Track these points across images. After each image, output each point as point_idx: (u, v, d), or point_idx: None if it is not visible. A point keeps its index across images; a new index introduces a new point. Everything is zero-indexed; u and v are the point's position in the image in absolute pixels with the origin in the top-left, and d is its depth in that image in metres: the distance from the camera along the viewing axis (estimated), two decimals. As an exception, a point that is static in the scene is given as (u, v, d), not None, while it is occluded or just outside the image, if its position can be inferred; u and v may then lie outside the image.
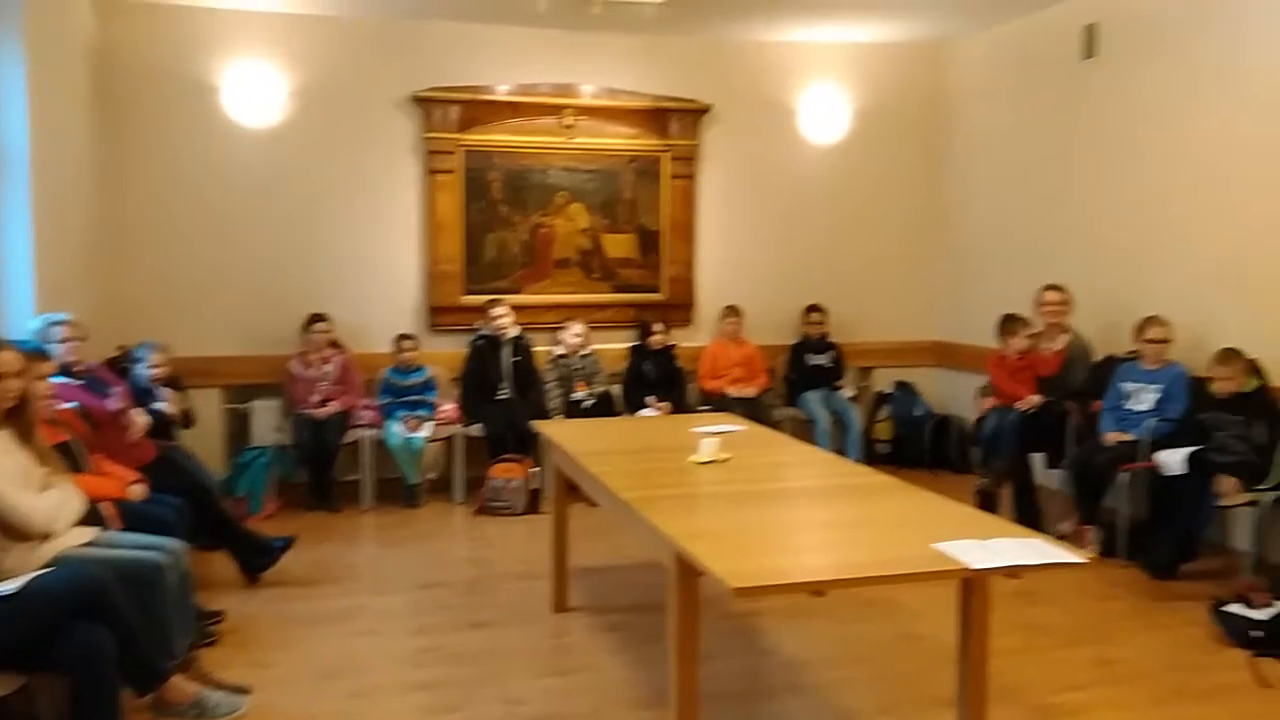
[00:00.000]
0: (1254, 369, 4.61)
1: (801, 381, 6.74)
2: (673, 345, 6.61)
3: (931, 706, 3.23)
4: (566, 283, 6.73)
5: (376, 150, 6.40)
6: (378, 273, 6.46)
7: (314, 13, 6.13)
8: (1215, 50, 5.05)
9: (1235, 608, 3.92)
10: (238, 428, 6.20)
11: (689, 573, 2.56)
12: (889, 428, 7.09)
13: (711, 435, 3.68)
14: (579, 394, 6.25)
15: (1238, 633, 3.84)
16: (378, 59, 6.36)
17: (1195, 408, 4.75)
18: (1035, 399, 5.45)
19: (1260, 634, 3.79)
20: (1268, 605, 3.87)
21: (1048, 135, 6.24)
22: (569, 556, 4.25)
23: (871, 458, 6.80)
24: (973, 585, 2.78)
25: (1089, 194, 5.91)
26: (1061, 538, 5.03)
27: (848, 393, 6.80)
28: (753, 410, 6.12)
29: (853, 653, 3.77)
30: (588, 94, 6.61)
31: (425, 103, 6.35)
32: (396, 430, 5.95)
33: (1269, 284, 4.75)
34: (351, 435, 5.98)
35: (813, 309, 6.90)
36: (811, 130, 7.05)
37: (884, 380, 7.28)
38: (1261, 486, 4.32)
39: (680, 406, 6.30)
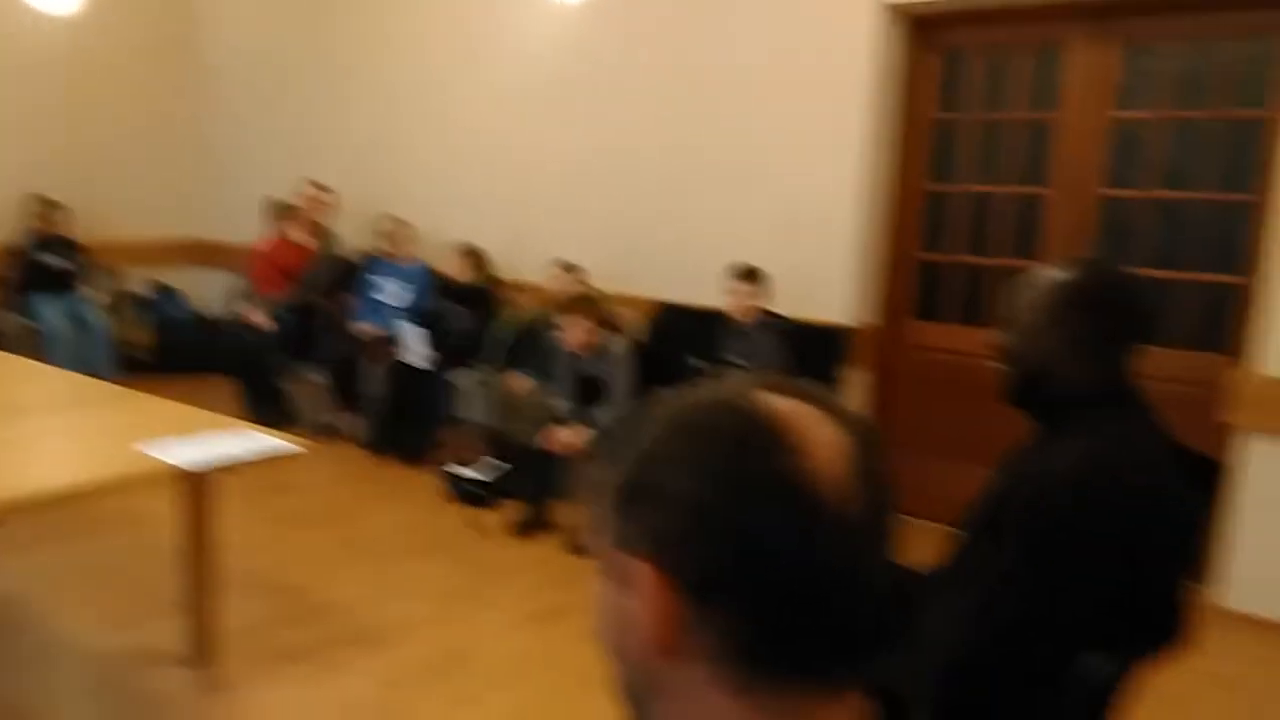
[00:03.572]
0: (487, 263, 5.22)
1: (32, 286, 5.85)
2: None
3: (168, 610, 3.10)
4: None
5: None
6: None
7: None
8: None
9: (461, 470, 4.49)
10: None
11: None
12: (148, 334, 6.57)
13: None
14: None
15: (464, 491, 4.42)
16: None
17: (435, 299, 5.26)
18: (266, 320, 5.41)
19: (480, 491, 4.41)
20: (487, 465, 4.51)
21: (303, 40, 6.21)
22: None
23: (131, 367, 6.25)
24: (195, 484, 2.71)
25: (343, 99, 6.05)
26: (325, 428, 5.33)
27: (94, 297, 6.11)
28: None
29: (87, 574, 3.46)
30: None
31: None
32: None
33: (485, 192, 5.43)
34: None
35: (45, 202, 5.99)
36: (35, -3, 6.01)
37: (141, 282, 6.70)
38: (482, 364, 4.97)
39: None
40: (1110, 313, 1.49)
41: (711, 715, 0.60)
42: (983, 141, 4.16)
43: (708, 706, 0.60)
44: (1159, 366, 3.66)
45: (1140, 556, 1.35)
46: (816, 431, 0.60)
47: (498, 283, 5.25)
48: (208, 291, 6.85)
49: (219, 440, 2.54)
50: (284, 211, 5.64)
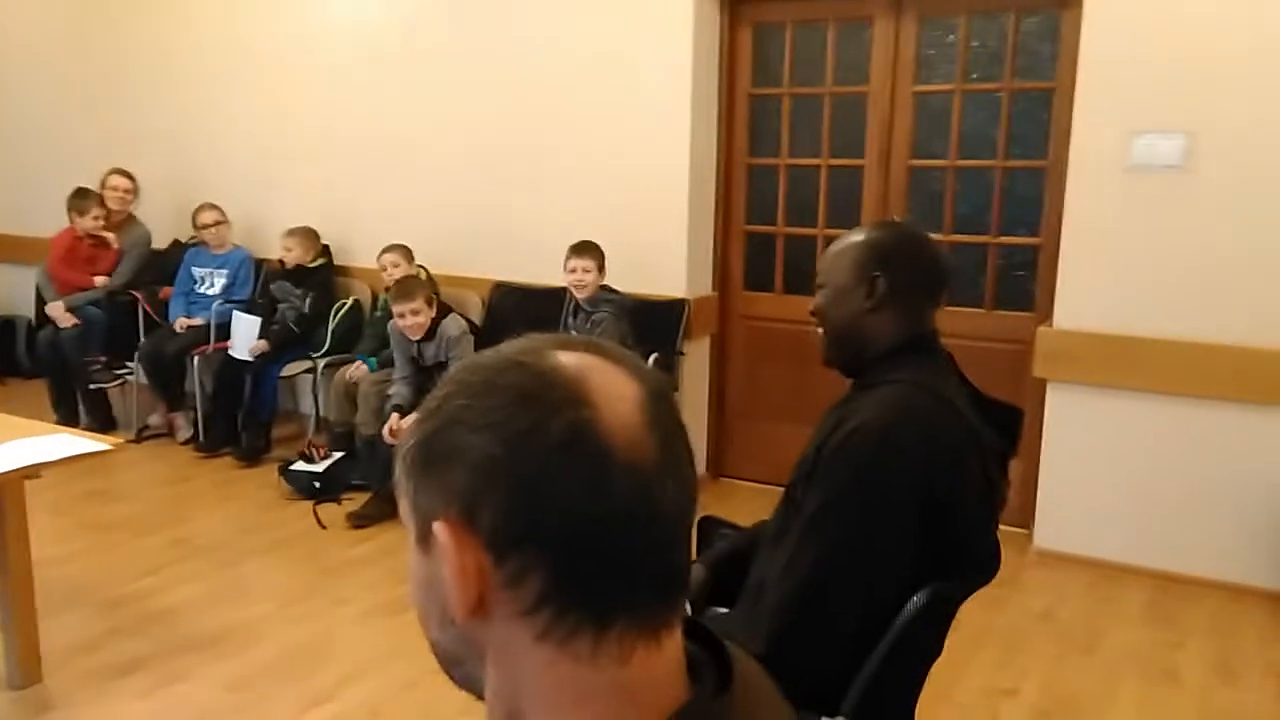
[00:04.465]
0: (324, 248, 5.03)
1: None
2: None
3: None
4: None
5: None
6: None
7: None
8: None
9: (299, 465, 4.34)
10: None
11: None
12: (-65, 338, 6.04)
13: None
14: None
15: (303, 486, 4.28)
16: None
17: (262, 287, 5.04)
18: (69, 318, 5.07)
19: (320, 484, 4.28)
20: (326, 458, 4.39)
21: (103, 24, 5.80)
22: None
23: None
24: (2, 492, 2.53)
25: (153, 83, 5.69)
26: (150, 429, 5.04)
27: None
28: None
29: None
30: None
31: None
32: None
33: (311, 177, 5.24)
34: None
35: None
36: None
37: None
38: (317, 354, 4.81)
39: None
40: (908, 267, 1.60)
41: (531, 669, 0.61)
42: (799, 115, 4.32)
43: (526, 662, 0.61)
44: (974, 327, 3.96)
45: (947, 496, 1.46)
46: (605, 383, 0.62)
47: (334, 266, 5.08)
48: (6, 288, 6.33)
49: (24, 445, 2.38)
50: (78, 202, 5.23)
